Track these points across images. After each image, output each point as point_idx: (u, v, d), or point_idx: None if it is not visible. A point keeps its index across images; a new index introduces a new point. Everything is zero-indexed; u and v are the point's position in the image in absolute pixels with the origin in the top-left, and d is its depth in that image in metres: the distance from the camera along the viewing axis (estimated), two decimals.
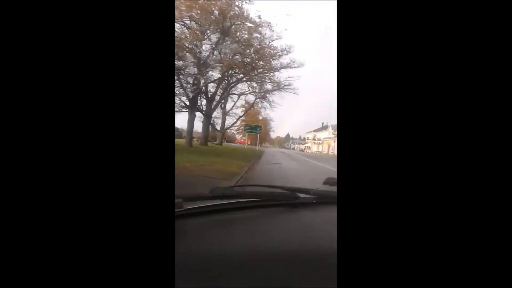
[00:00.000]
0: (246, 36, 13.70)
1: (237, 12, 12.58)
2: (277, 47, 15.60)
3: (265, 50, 14.90)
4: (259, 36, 14.05)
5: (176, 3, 10.96)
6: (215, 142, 21.92)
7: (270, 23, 13.69)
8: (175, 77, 12.01)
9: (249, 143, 31.30)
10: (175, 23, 11.65)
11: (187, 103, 14.49)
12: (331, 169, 9.58)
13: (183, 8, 11.44)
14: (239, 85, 19.33)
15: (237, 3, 12.45)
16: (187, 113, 14.84)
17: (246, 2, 12.53)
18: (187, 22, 12.50)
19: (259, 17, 13.14)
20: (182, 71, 12.08)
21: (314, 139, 52.71)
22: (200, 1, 11.60)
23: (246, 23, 13.09)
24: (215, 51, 13.79)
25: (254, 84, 18.77)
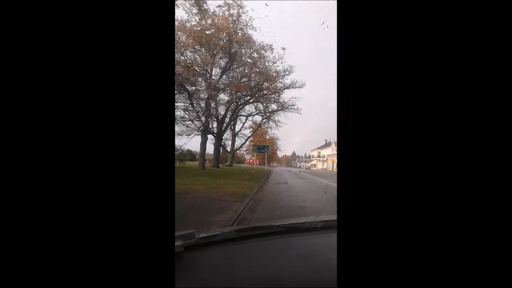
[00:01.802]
0: (251, 60, 14.27)
1: (242, 38, 13.19)
2: (279, 69, 16.22)
3: (269, 72, 15.44)
4: (262, 59, 14.66)
5: (187, 30, 11.60)
6: (225, 164, 22.06)
7: (271, 45, 14.31)
8: (189, 101, 12.43)
9: (257, 163, 31.31)
10: (187, 51, 12.25)
11: (200, 126, 14.83)
12: (334, 185, 9.74)
13: (194, 35, 12.08)
14: (247, 107, 19.83)
15: (242, 29, 13.10)
16: (200, 136, 15.18)
17: (250, 28, 13.19)
18: (198, 48, 13.12)
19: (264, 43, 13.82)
20: (195, 95, 12.53)
21: (318, 156, 52.45)
22: (208, 28, 12.23)
23: (251, 48, 13.70)
24: (224, 75, 14.32)
25: (260, 105, 19.28)
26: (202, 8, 11.47)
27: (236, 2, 12.18)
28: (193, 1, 10.82)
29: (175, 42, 11.60)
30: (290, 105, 18.63)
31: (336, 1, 0.53)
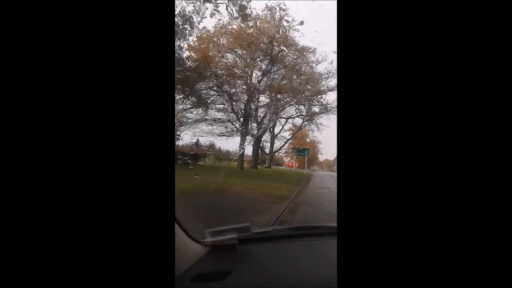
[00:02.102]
0: (292, 61, 14.13)
1: (284, 40, 13.14)
2: (323, 71, 15.80)
3: (311, 74, 15.12)
4: (305, 61, 14.42)
5: (229, 33, 11.88)
6: (264, 165, 22.11)
7: (315, 48, 14.03)
8: (229, 103, 12.70)
9: (296, 166, 30.91)
10: (227, 53, 12.55)
11: (238, 127, 15.08)
12: None
13: (234, 38, 12.34)
14: (287, 109, 19.68)
15: (284, 30, 13.05)
16: (239, 137, 15.41)
17: (292, 29, 13.08)
18: (239, 51, 13.38)
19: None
20: (235, 97, 12.75)
21: None
22: (249, 31, 12.41)
23: (293, 50, 13.57)
24: (265, 77, 14.39)
25: (302, 107, 18.97)
26: (245, 12, 11.70)
27: (279, 6, 12.21)
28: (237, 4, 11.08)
29: (216, 45, 11.93)
30: (334, 108, 18.08)
31: (336, 1, 0.54)
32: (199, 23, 10.83)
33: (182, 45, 10.99)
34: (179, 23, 9.93)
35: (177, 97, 11.15)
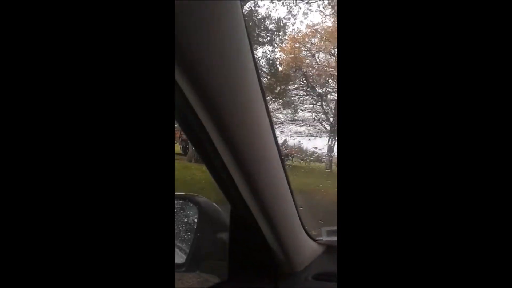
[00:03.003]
0: None
1: None
2: None
3: None
4: None
5: (320, 32, 11.69)
6: None
7: None
8: (319, 103, 12.56)
9: None
10: (320, 52, 12.39)
11: (328, 127, 14.76)
12: None
13: (326, 36, 12.08)
14: None
15: None
16: (326, 138, 15.06)
17: None
18: (331, 50, 13.05)
19: None
20: (324, 97, 12.53)
21: None
22: None
23: None
24: None
25: None
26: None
27: None
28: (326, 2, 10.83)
29: (308, 45, 11.91)
30: None
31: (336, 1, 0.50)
32: (293, 25, 11.02)
33: (275, 50, 11.39)
34: (273, 29, 10.29)
35: (267, 98, 11.61)
